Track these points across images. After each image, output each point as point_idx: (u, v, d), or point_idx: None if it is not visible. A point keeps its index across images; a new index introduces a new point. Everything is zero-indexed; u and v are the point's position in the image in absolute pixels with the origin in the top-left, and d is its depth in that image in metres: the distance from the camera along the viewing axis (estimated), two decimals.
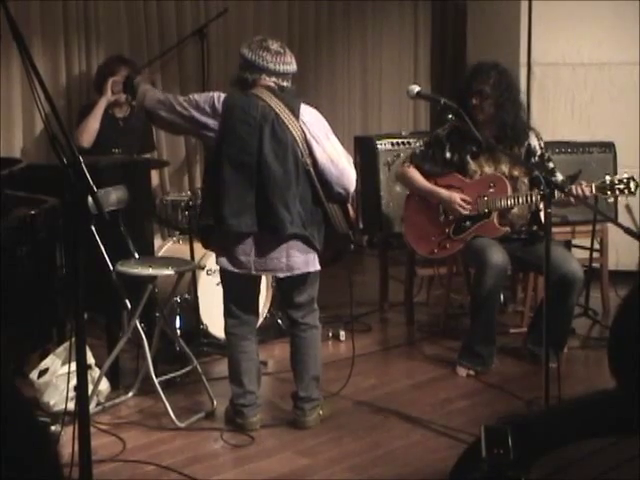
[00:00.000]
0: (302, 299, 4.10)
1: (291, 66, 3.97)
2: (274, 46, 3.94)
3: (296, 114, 3.91)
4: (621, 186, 4.49)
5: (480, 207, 4.80)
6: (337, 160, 3.94)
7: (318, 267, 4.02)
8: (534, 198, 4.67)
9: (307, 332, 4.12)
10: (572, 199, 4.43)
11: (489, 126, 4.76)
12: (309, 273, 4.03)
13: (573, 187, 4.48)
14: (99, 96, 5.51)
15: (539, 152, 4.85)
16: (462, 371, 4.80)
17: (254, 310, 4.23)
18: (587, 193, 4.48)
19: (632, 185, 4.48)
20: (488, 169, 4.84)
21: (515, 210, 4.82)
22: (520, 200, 4.72)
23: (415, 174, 4.94)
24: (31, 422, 1.52)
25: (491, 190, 4.78)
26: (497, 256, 4.66)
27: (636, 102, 6.40)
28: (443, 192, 4.85)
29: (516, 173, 4.83)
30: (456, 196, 4.81)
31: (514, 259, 4.80)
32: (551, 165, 4.85)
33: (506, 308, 5.81)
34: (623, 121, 6.38)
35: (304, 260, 3.98)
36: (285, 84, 3.96)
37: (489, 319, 4.77)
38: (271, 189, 3.87)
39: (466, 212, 4.79)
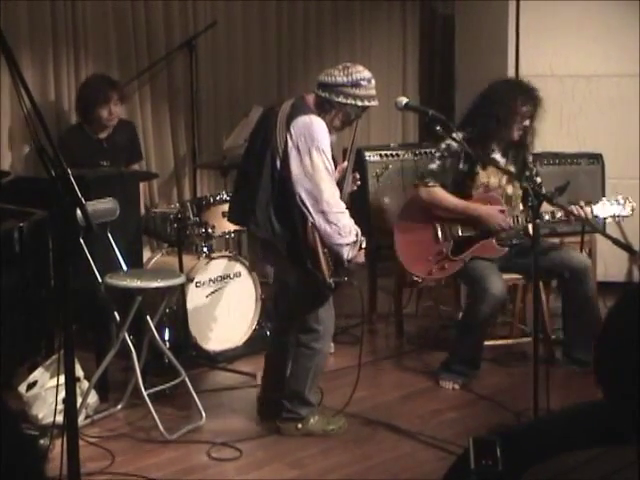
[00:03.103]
0: (290, 313, 4.12)
1: (330, 78, 3.95)
2: (340, 65, 4.01)
3: (289, 124, 3.84)
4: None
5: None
6: (312, 174, 3.80)
7: (294, 280, 4.01)
8: (527, 219, 4.66)
9: (291, 348, 4.14)
10: (572, 217, 4.43)
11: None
12: (290, 284, 4.05)
13: (574, 208, 4.47)
14: (82, 120, 5.51)
15: (531, 167, 4.89)
16: (446, 384, 4.78)
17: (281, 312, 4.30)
18: (588, 215, 4.53)
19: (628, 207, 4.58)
20: (494, 179, 4.79)
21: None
22: (520, 220, 4.71)
23: (443, 193, 4.76)
24: (18, 435, 1.52)
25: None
26: (497, 286, 4.58)
27: (624, 113, 6.42)
28: (482, 208, 4.73)
29: (510, 191, 4.82)
30: (495, 209, 4.72)
31: (521, 272, 4.81)
32: (539, 180, 4.88)
33: (495, 320, 5.80)
34: (611, 132, 6.40)
35: (282, 268, 4.07)
36: (324, 95, 3.95)
37: (477, 345, 4.77)
38: (244, 185, 4.04)
39: (507, 225, 4.71)
